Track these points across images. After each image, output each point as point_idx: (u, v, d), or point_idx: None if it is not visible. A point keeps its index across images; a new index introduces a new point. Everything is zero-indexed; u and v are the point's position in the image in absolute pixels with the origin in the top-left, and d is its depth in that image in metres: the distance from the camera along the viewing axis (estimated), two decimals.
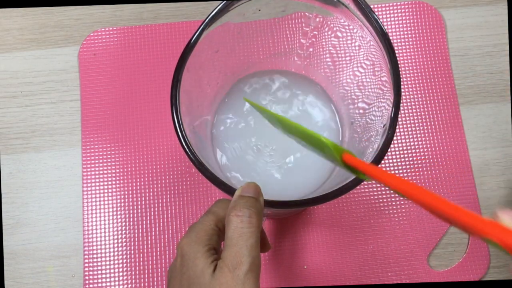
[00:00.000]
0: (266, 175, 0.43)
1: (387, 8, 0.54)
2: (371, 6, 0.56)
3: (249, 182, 0.30)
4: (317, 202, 0.31)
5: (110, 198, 0.49)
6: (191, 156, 0.31)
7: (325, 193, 0.31)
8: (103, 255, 0.47)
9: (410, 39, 0.53)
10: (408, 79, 0.52)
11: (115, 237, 0.48)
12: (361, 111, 0.40)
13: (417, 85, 0.52)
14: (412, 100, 0.51)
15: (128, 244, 0.48)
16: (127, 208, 0.49)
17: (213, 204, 0.32)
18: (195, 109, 0.38)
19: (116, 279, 0.47)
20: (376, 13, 0.54)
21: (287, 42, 0.43)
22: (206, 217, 0.31)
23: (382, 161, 0.50)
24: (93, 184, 0.49)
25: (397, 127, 0.51)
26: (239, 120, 0.44)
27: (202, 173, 0.31)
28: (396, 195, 0.49)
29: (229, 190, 0.31)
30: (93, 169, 0.50)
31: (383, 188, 0.49)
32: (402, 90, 0.52)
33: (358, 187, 0.49)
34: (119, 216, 0.48)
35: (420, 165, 0.50)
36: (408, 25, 0.53)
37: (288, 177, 0.43)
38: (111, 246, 0.48)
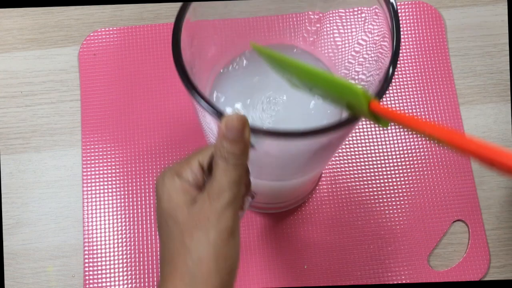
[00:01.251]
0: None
1: None
2: None
3: (232, 115, 0.27)
4: (326, 131, 0.28)
5: (110, 198, 0.49)
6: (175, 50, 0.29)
7: (336, 123, 0.28)
8: (103, 255, 0.47)
9: (410, 39, 0.53)
10: (408, 79, 0.52)
11: (115, 237, 0.48)
12: (362, 83, 0.39)
13: (417, 85, 0.52)
14: (412, 100, 0.51)
15: (128, 244, 0.48)
16: (127, 208, 0.49)
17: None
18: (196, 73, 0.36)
19: (116, 279, 0.47)
20: None
21: (295, 16, 0.41)
22: (188, 156, 0.30)
23: (383, 161, 0.50)
24: (93, 184, 0.49)
25: (397, 127, 0.51)
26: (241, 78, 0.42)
27: (182, 80, 0.29)
28: (397, 191, 0.49)
29: (216, 113, 0.28)
30: (93, 169, 0.50)
31: (383, 188, 0.49)
32: (402, 90, 0.52)
33: (358, 187, 0.49)
34: (119, 216, 0.48)
35: (420, 165, 0.50)
36: (408, 25, 0.53)
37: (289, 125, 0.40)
38: (111, 246, 0.48)
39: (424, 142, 0.50)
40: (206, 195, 0.27)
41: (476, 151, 0.20)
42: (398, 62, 0.52)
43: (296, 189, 0.46)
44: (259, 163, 0.40)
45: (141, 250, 0.47)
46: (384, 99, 0.52)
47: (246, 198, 0.33)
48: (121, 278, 0.47)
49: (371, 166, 0.50)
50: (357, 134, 0.51)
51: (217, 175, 0.27)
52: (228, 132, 0.27)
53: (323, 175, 0.50)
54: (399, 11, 0.54)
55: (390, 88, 0.52)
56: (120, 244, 0.48)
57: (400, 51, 0.54)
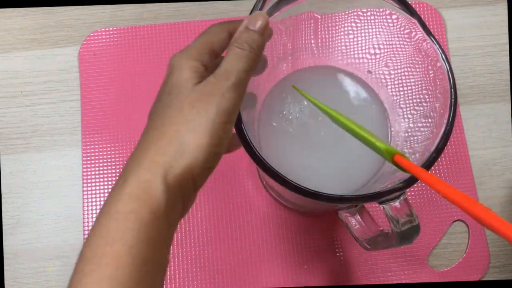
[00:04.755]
0: (307, 165, 0.42)
1: None
2: None
3: (258, 12, 0.30)
4: (371, 199, 0.32)
5: None
6: (253, 149, 0.31)
7: (380, 191, 0.31)
8: None
9: None
10: None
11: None
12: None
13: None
14: None
15: None
16: None
17: (206, 29, 0.31)
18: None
19: None
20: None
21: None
22: (199, 38, 0.30)
23: None
24: (93, 184, 0.49)
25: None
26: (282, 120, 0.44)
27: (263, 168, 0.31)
28: None
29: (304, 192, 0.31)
30: (93, 169, 0.50)
31: None
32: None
33: None
34: None
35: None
36: None
37: (331, 171, 0.42)
38: None
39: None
40: (213, 76, 0.27)
41: (490, 223, 0.21)
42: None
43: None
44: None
45: None
46: (400, 106, 0.51)
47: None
48: None
49: None
50: None
51: (228, 60, 0.28)
52: (253, 23, 0.29)
53: None
54: None
55: (409, 97, 0.52)
56: None
57: None
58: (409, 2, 0.53)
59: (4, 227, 0.48)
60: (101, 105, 0.51)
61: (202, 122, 0.26)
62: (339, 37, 0.42)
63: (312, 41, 0.43)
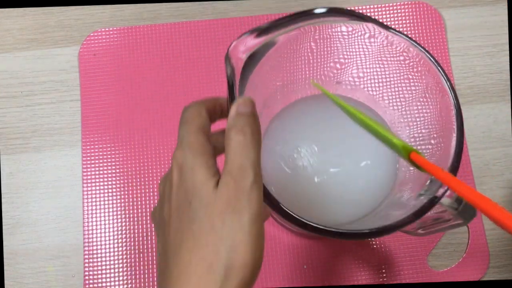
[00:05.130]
0: (308, 193, 0.42)
1: (387, 8, 0.54)
2: (371, 6, 0.56)
3: (244, 97, 0.28)
4: (381, 233, 0.32)
5: (110, 198, 0.49)
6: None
7: (394, 223, 0.31)
8: (103, 255, 0.47)
9: None
10: None
11: (115, 237, 0.48)
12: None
13: None
14: None
15: (128, 244, 0.48)
16: (127, 208, 0.49)
17: (181, 116, 0.28)
18: None
19: (116, 279, 0.47)
20: (376, 14, 0.54)
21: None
22: (188, 127, 0.28)
23: None
24: (93, 184, 0.49)
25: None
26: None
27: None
28: None
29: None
30: (93, 169, 0.50)
31: None
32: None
33: None
34: (119, 216, 0.48)
35: None
36: (408, 25, 0.53)
37: (334, 197, 0.42)
38: (111, 246, 0.48)
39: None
40: (228, 175, 0.25)
41: (509, 225, 0.21)
42: None
43: None
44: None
45: (141, 250, 0.47)
46: (383, 98, 0.52)
47: None
48: (121, 278, 0.47)
49: None
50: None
51: (235, 152, 0.26)
52: (242, 108, 0.27)
53: None
54: (398, 11, 0.54)
55: (390, 88, 0.52)
56: (120, 244, 0.48)
57: None
58: (408, 3, 0.54)
59: (4, 227, 0.48)
60: (101, 105, 0.51)
61: (240, 237, 0.24)
62: (299, 69, 0.41)
63: (278, 83, 0.42)
